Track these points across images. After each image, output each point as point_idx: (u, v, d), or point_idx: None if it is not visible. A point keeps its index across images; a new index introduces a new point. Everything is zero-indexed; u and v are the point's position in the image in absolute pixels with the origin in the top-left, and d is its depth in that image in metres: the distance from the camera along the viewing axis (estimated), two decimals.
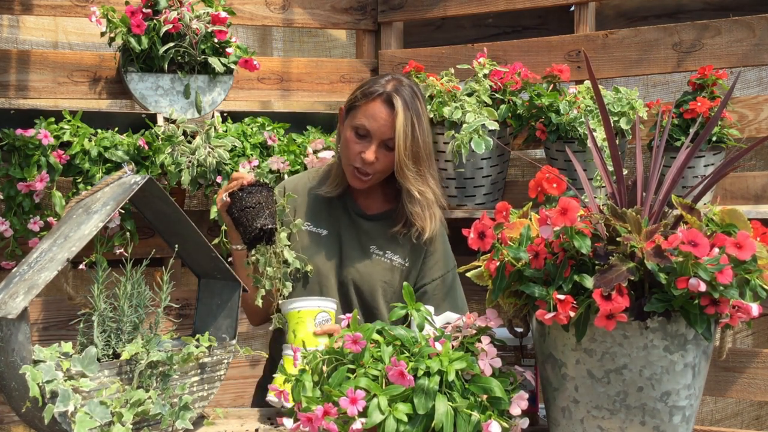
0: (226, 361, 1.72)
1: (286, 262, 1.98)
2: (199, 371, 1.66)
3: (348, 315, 1.56)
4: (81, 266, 2.38)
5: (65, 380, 1.44)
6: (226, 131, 2.59)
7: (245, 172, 2.02)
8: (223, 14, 2.60)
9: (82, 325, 1.59)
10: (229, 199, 1.91)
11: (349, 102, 2.05)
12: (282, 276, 1.96)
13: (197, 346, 1.64)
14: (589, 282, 1.30)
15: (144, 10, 2.52)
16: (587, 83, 2.51)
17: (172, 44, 2.53)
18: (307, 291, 2.05)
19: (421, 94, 2.05)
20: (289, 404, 1.49)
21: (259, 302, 1.94)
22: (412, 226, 2.07)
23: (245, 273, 1.95)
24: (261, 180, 1.95)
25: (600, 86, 2.50)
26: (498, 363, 1.45)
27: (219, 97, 2.65)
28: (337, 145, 2.11)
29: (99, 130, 2.46)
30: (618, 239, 1.33)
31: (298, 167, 2.59)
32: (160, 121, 2.55)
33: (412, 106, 1.98)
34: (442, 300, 2.10)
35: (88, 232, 1.52)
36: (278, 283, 1.96)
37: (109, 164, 2.41)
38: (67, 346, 1.50)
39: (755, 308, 1.32)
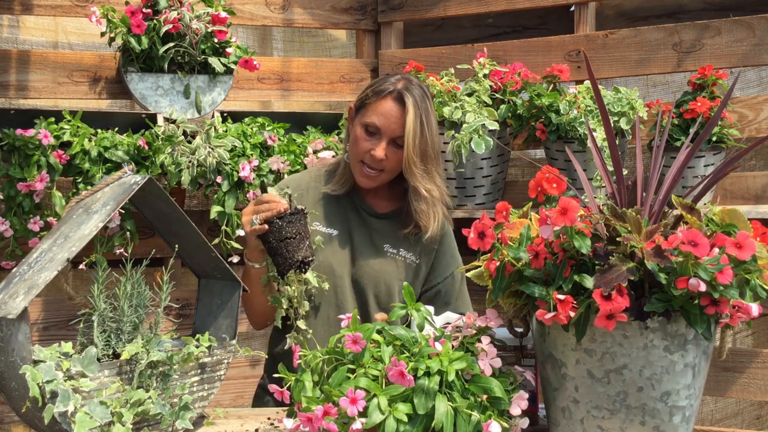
0: (226, 361, 1.72)
1: (305, 281, 1.95)
2: (199, 371, 1.66)
3: (348, 315, 1.56)
4: (81, 266, 2.38)
5: (65, 380, 1.44)
6: (226, 131, 2.58)
7: (275, 194, 1.90)
8: (223, 14, 2.60)
9: (82, 325, 1.59)
10: (266, 226, 1.85)
11: (359, 100, 2.05)
12: (300, 295, 1.94)
13: (197, 346, 1.64)
14: (589, 282, 1.30)
15: (144, 10, 2.52)
16: (587, 83, 2.51)
17: (172, 44, 2.53)
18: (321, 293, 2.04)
19: (430, 93, 2.05)
20: None
21: (278, 323, 1.92)
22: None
23: (260, 290, 1.94)
24: (297, 206, 1.88)
25: (600, 86, 2.50)
26: (498, 363, 1.44)
27: (219, 97, 2.65)
28: (346, 143, 2.10)
29: (99, 130, 2.46)
30: (618, 239, 1.33)
31: (298, 167, 2.59)
32: (160, 121, 2.54)
33: (422, 105, 1.99)
34: (455, 297, 2.10)
35: (88, 232, 1.52)
36: (296, 302, 1.93)
37: (109, 164, 2.41)
38: (67, 346, 1.50)
39: (755, 308, 1.32)
